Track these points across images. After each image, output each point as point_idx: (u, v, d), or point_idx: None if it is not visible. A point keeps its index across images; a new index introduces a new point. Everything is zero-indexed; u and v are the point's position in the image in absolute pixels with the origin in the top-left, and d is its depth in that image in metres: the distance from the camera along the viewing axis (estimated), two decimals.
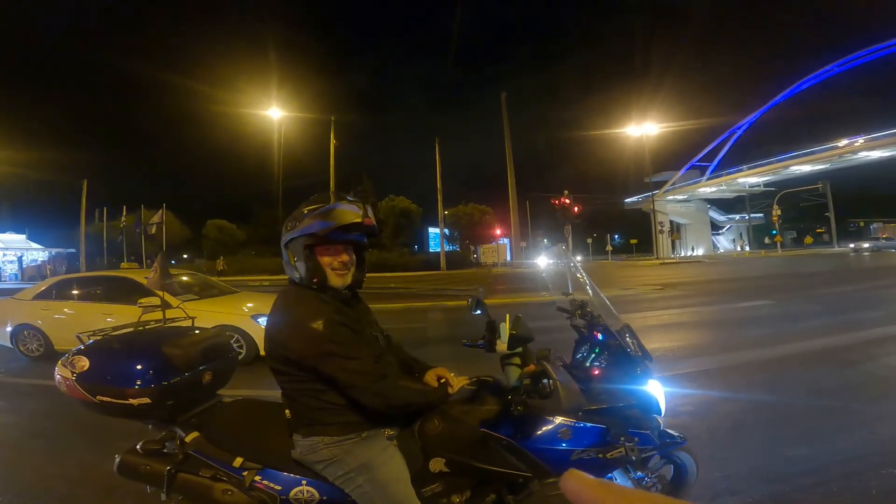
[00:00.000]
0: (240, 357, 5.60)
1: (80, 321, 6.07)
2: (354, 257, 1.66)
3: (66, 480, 2.90)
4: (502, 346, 1.75)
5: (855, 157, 46.60)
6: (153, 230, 32.99)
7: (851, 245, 45.27)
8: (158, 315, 2.36)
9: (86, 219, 37.22)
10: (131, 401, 1.65)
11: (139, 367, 1.70)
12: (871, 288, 12.62)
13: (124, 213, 37.71)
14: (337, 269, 1.59)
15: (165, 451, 1.75)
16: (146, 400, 1.66)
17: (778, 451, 2.99)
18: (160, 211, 34.78)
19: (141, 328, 2.07)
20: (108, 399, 1.67)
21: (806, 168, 50.45)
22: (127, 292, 6.19)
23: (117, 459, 1.75)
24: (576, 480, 0.27)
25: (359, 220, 1.55)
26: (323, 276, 1.57)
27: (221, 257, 34.28)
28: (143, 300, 2.54)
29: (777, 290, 13.10)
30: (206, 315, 5.92)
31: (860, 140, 44.44)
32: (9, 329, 6.54)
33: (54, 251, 44.20)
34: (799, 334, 6.69)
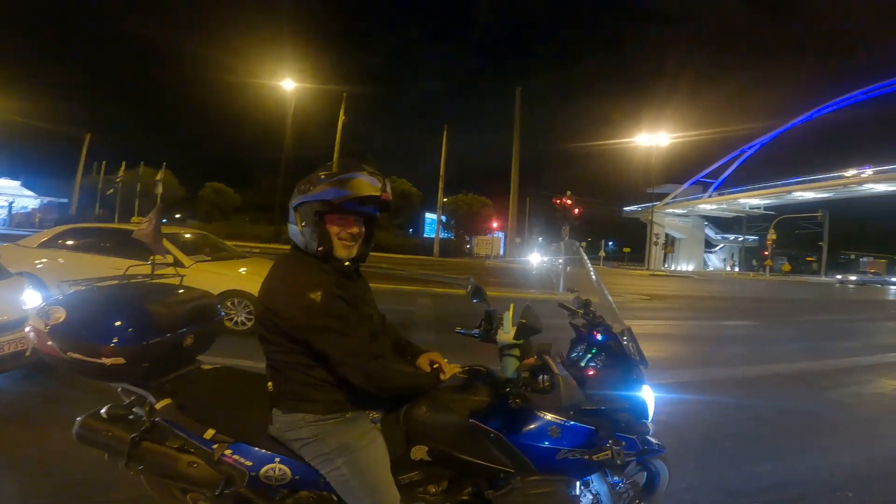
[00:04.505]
0: (249, 325, 5.53)
1: (85, 273, 5.94)
2: (364, 230, 1.60)
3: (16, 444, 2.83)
4: (505, 335, 1.67)
5: (860, 188, 46.45)
6: (157, 189, 32.31)
7: (838, 276, 45.81)
8: (147, 269, 2.26)
9: (84, 171, 36.57)
10: (104, 360, 1.52)
11: (118, 323, 1.57)
12: (850, 319, 12.89)
13: (122, 168, 37.19)
14: (345, 240, 1.53)
15: (132, 417, 1.66)
16: (120, 360, 1.53)
17: (741, 467, 3.09)
18: (161, 170, 34.29)
19: (126, 282, 1.94)
20: (79, 356, 1.53)
21: (809, 195, 50.45)
22: (137, 246, 6.04)
23: (77, 423, 1.62)
24: None
25: (377, 193, 1.49)
26: (329, 245, 1.50)
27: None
28: (159, 257, 2.41)
29: (761, 312, 13.32)
30: (217, 278, 5.78)
31: (868, 171, 44.16)
32: None
33: (46, 200, 43.43)
34: (776, 357, 6.87)
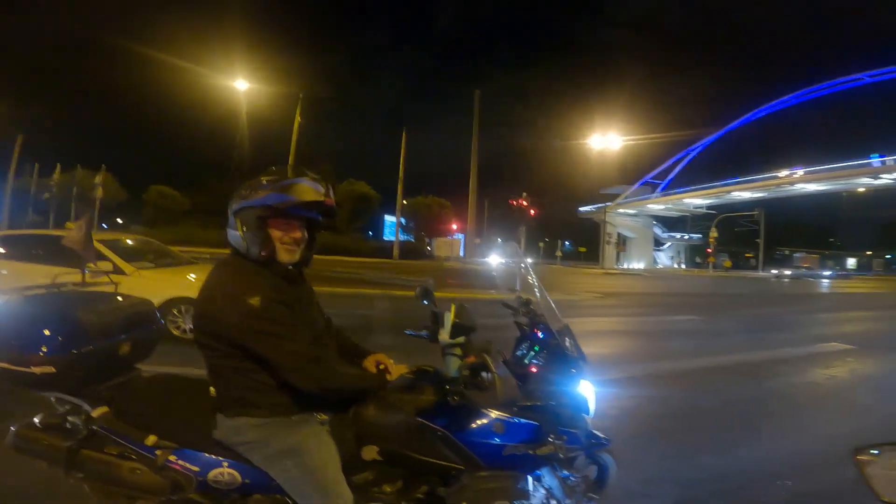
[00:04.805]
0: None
1: (16, 282, 5.54)
2: (307, 234, 1.61)
3: None
4: (444, 335, 1.73)
5: (792, 188, 49.70)
6: (96, 193, 30.24)
7: (774, 271, 49.17)
8: (77, 277, 2.17)
9: (16, 174, 33.87)
10: (34, 369, 1.51)
11: (47, 332, 1.55)
12: (785, 312, 13.88)
13: (58, 171, 34.79)
14: (287, 245, 1.54)
15: (68, 426, 1.63)
16: (50, 369, 1.52)
17: (689, 458, 3.23)
18: (100, 173, 32.31)
19: (56, 290, 1.91)
20: (7, 366, 1.52)
21: (746, 195, 53.62)
22: (72, 254, 5.70)
23: (11, 433, 1.61)
24: None
25: (320, 198, 1.51)
26: (272, 249, 1.51)
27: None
28: (91, 265, 2.31)
29: (704, 307, 14.08)
30: (162, 285, 5.62)
31: (799, 172, 47.27)
32: None
33: None
34: (718, 349, 7.25)
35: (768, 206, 54.02)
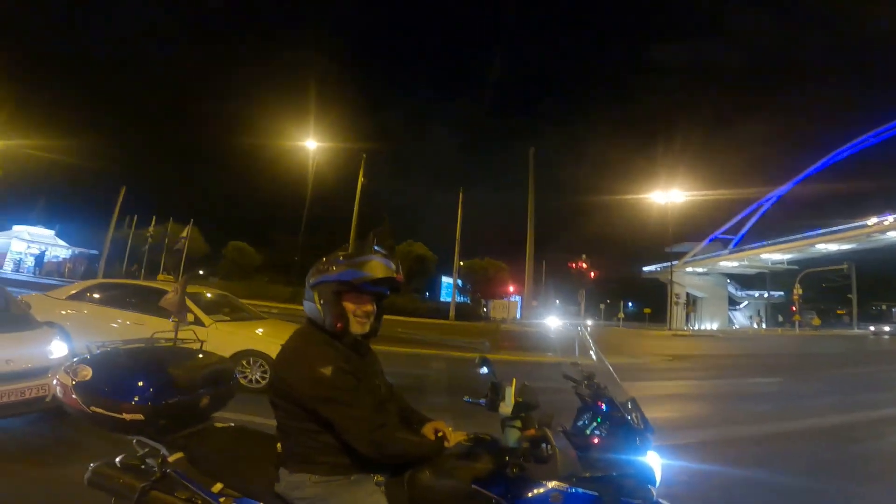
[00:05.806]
0: (263, 384, 5.67)
1: (109, 327, 6.15)
2: (375, 307, 1.73)
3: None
4: (506, 409, 1.76)
5: (883, 237, 44.84)
6: (181, 245, 33.55)
7: (871, 328, 43.80)
8: (170, 334, 2.48)
9: (115, 224, 37.90)
10: (124, 415, 1.67)
11: (140, 383, 1.73)
12: (884, 371, 12.34)
13: (153, 223, 38.76)
14: (359, 317, 1.66)
15: (143, 467, 1.76)
16: (139, 416, 1.67)
17: None
18: (187, 227, 35.55)
19: (151, 345, 2.14)
20: (101, 411, 1.68)
21: (832, 247, 48.91)
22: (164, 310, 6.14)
23: (90, 469, 1.74)
24: None
25: (392, 275, 1.63)
26: (346, 322, 1.63)
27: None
28: (179, 320, 2.67)
29: (789, 368, 12.88)
30: (234, 337, 6.01)
31: (889, 219, 42.59)
32: None
33: (77, 251, 45.28)
34: (802, 411, 6.61)
35: (858, 258, 48.88)
